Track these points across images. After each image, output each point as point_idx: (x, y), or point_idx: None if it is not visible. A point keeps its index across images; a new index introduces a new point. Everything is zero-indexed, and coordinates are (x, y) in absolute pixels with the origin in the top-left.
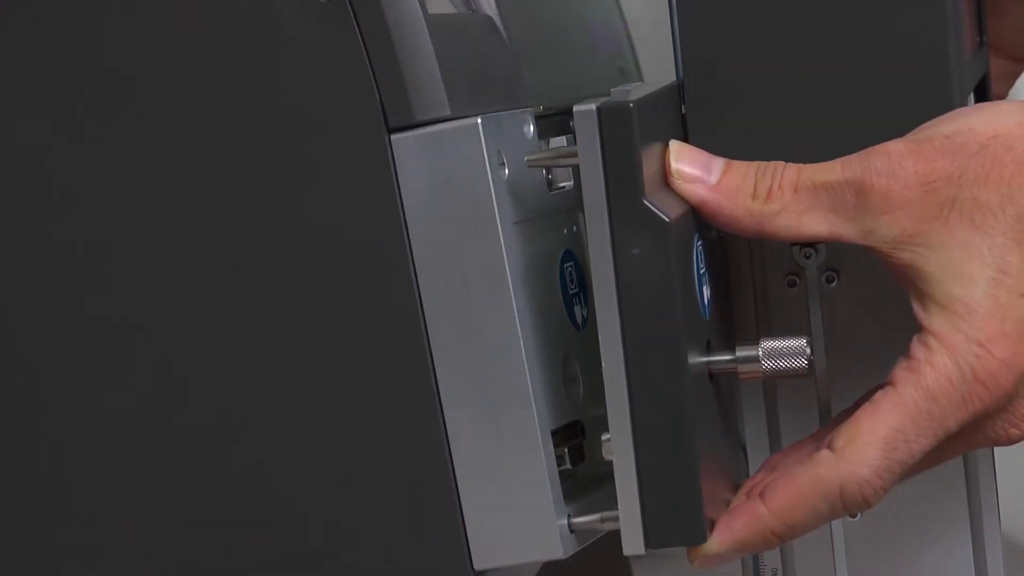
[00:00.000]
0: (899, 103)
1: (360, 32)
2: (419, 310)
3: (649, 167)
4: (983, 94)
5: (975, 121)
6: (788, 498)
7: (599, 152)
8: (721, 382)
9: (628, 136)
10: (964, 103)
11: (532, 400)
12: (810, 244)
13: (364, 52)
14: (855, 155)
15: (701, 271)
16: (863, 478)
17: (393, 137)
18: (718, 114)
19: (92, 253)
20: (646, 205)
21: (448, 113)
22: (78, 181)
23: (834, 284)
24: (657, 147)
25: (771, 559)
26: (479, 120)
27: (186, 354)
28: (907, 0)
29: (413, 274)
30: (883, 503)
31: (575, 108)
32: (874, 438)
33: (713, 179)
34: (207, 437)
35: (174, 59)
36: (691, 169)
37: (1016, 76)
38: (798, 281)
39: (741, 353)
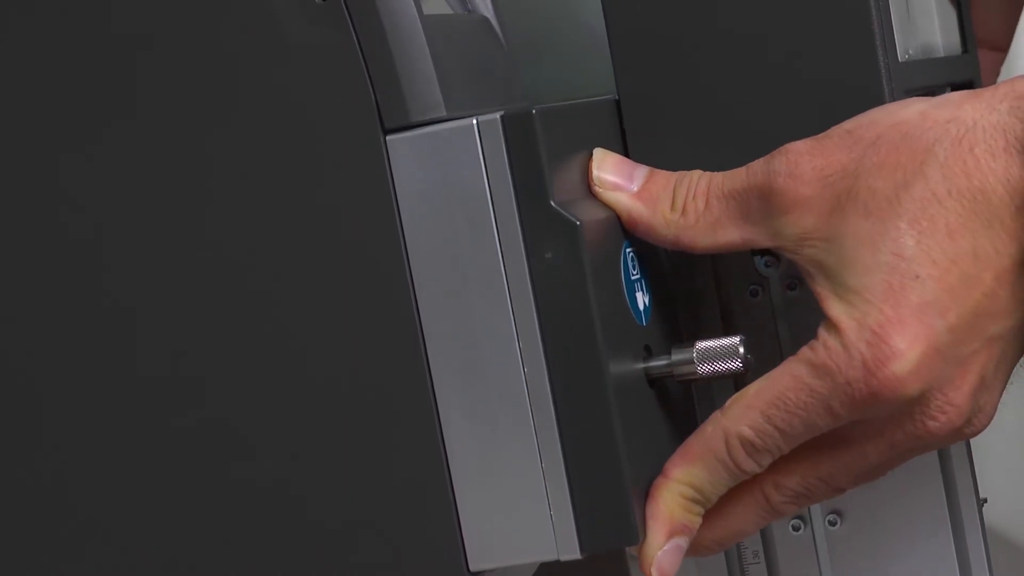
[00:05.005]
0: (833, 112)
1: (356, 33)
2: (414, 311)
3: (569, 175)
4: None
5: (877, 114)
6: (683, 459)
7: (505, 160)
8: (672, 387)
9: (532, 143)
10: None
11: (528, 400)
12: (771, 254)
13: (360, 53)
14: (760, 159)
15: (634, 277)
16: (744, 436)
17: (389, 138)
18: (656, 129)
19: (93, 252)
20: (555, 209)
21: (444, 114)
22: (78, 181)
23: (796, 291)
24: (581, 156)
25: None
26: (475, 121)
27: (180, 354)
28: (833, 14)
29: (408, 275)
30: (863, 504)
31: (478, 119)
32: (757, 401)
33: (635, 187)
34: (200, 438)
35: (171, 60)
36: (613, 177)
37: (997, 63)
38: (761, 291)
39: (676, 356)
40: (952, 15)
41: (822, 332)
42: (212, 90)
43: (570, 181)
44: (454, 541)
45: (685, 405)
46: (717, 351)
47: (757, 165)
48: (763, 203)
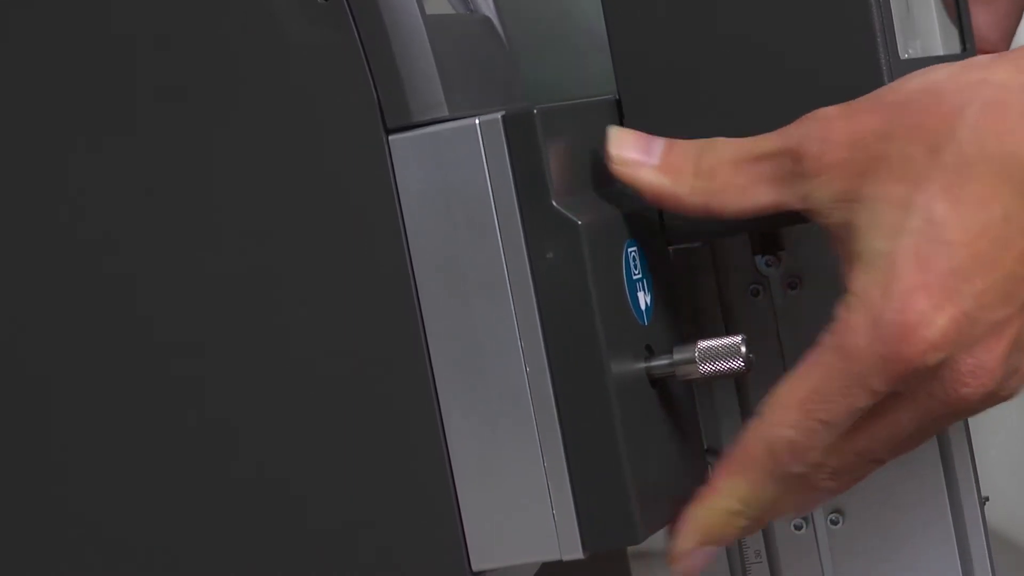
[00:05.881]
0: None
1: (358, 33)
2: (417, 311)
3: (570, 175)
4: None
5: (908, 80)
6: (728, 471)
7: (507, 159)
8: (673, 387)
9: (533, 142)
10: None
11: (530, 400)
12: (773, 252)
13: (362, 53)
14: (792, 124)
15: (636, 276)
16: (787, 439)
17: (391, 138)
18: (656, 129)
19: (95, 253)
20: (556, 208)
21: (446, 114)
22: (80, 183)
23: (797, 290)
24: (582, 156)
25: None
26: (477, 121)
27: (182, 353)
28: (834, 12)
29: (411, 275)
30: (865, 502)
31: (480, 119)
32: (791, 400)
33: (655, 160)
34: (202, 437)
35: (171, 61)
36: (632, 153)
37: None
38: (761, 290)
39: (678, 356)
40: (951, 14)
41: (843, 312)
42: (213, 91)
43: (571, 180)
44: (456, 541)
45: (687, 405)
46: (719, 350)
47: (790, 129)
48: (796, 165)
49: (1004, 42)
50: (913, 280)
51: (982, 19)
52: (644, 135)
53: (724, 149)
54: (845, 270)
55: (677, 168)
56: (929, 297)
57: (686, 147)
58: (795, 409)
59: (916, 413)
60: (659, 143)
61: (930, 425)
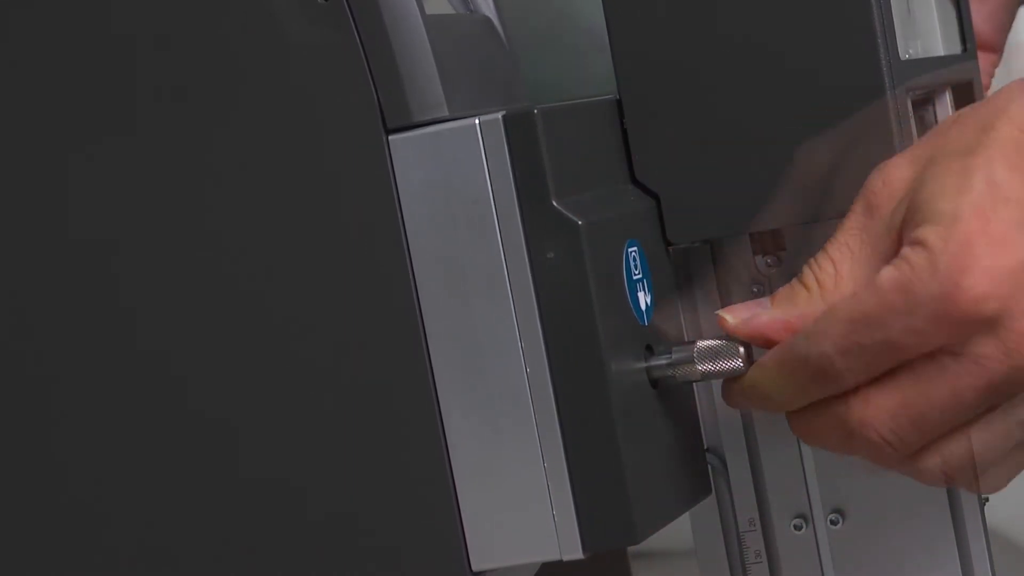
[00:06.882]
0: (835, 110)
1: (358, 33)
2: (417, 310)
3: (571, 175)
4: (969, 99)
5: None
6: (763, 360)
7: (507, 159)
8: (673, 387)
9: (533, 142)
10: (904, 104)
11: (530, 400)
12: (773, 253)
13: (362, 53)
14: (856, 199)
15: (636, 276)
16: (824, 352)
17: (391, 138)
18: (656, 129)
19: (95, 253)
20: (556, 208)
21: (446, 114)
22: (80, 184)
23: None
24: (582, 156)
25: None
26: (477, 121)
27: (183, 353)
28: (835, 12)
29: (411, 275)
30: (865, 503)
31: (481, 119)
32: (840, 315)
33: (767, 303)
34: (201, 437)
35: (171, 61)
36: (744, 312)
37: (989, 64)
38: (762, 290)
39: (677, 356)
40: (952, 14)
41: (907, 250)
42: (213, 91)
43: (572, 181)
44: (456, 541)
45: (687, 405)
46: (718, 350)
47: (856, 200)
48: (873, 215)
49: (999, 36)
50: (974, 228)
51: (976, 14)
52: (748, 302)
53: (816, 260)
54: (905, 230)
55: (788, 294)
56: (989, 244)
57: (792, 283)
58: (841, 324)
59: (974, 380)
60: (764, 299)
61: (993, 409)
